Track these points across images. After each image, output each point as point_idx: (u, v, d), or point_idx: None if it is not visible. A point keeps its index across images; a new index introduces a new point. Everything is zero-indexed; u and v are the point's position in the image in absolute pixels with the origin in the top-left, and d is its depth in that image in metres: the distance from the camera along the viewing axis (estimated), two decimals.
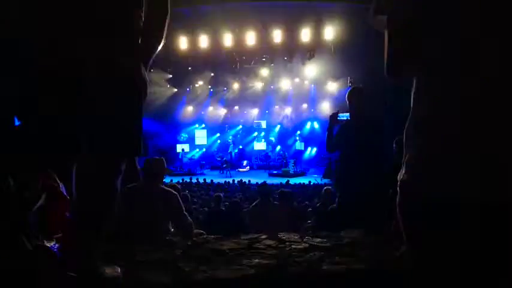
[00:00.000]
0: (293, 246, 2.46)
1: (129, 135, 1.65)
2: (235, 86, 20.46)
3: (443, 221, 1.19)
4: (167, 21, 1.77)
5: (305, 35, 14.51)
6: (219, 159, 19.44)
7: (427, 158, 1.23)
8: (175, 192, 3.50)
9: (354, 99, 3.81)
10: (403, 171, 1.30)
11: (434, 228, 1.22)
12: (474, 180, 1.14)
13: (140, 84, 1.67)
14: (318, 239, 2.62)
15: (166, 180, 13.91)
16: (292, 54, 16.92)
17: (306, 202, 8.28)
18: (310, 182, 14.16)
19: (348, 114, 3.90)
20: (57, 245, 1.89)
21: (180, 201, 3.50)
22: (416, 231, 1.29)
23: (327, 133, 4.01)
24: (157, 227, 3.29)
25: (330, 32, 13.85)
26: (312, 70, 17.37)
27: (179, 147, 20.58)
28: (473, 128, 1.16)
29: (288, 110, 21.34)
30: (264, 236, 2.67)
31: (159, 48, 1.80)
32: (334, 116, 4.02)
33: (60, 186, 2.00)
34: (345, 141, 3.82)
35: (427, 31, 1.24)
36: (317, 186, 12.30)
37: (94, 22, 1.58)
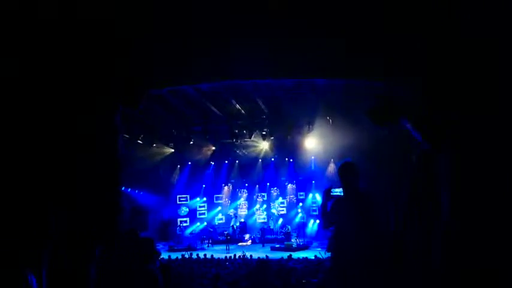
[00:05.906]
0: None
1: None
2: (236, 159, 20.71)
3: None
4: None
5: (303, 109, 14.99)
6: (225, 233, 19.06)
7: None
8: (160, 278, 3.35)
9: (345, 173, 3.80)
10: None
11: None
12: None
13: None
14: None
15: (165, 255, 13.51)
16: (292, 127, 17.32)
17: (307, 279, 7.91)
18: (315, 256, 13.68)
19: (341, 189, 3.87)
20: None
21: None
22: None
23: (321, 209, 3.94)
24: None
25: (327, 105, 14.33)
26: (311, 142, 17.60)
27: (178, 221, 20.30)
28: None
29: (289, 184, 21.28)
30: None
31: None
32: (327, 192, 3.97)
33: (30, 279, 1.91)
34: (339, 217, 3.74)
35: None
36: (321, 261, 11.83)
37: None
